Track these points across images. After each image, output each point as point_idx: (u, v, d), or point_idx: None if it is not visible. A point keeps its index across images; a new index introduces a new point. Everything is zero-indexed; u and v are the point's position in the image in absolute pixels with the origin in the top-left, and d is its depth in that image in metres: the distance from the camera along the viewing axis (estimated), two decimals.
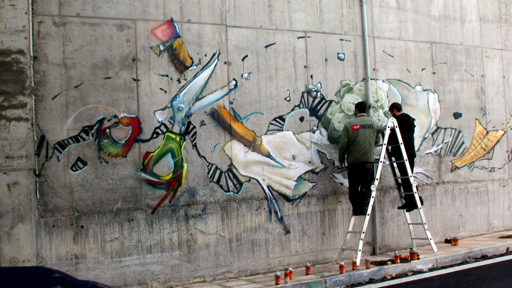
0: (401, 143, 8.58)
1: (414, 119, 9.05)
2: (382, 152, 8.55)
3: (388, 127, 8.56)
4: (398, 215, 9.24)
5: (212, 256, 7.67)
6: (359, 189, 8.43)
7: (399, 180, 8.98)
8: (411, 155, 8.84)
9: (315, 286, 7.21)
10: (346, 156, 8.49)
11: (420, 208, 8.71)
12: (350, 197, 8.52)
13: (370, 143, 8.34)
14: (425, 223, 8.71)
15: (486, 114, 10.66)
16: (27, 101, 6.63)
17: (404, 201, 8.99)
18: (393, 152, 8.92)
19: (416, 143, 9.60)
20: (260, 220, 8.07)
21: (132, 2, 7.30)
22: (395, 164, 8.99)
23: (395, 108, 9.04)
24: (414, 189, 8.64)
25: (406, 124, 8.85)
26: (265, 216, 8.10)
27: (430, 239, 8.75)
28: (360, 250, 8.03)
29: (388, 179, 9.23)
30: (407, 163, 8.62)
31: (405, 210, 8.94)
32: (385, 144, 8.56)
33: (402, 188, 8.99)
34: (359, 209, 8.37)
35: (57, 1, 6.87)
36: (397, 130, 8.59)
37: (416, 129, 9.39)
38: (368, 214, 8.23)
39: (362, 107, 8.65)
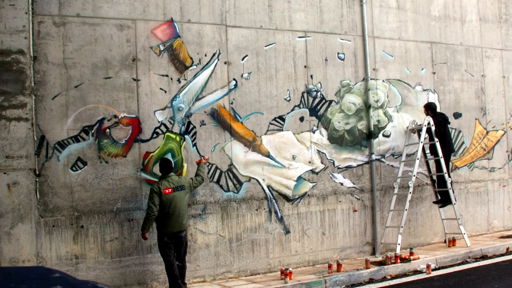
0: (437, 141, 9.03)
1: (447, 116, 9.44)
2: (418, 150, 8.96)
3: (425, 126, 8.97)
4: (398, 215, 9.24)
5: (212, 256, 7.67)
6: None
7: (434, 177, 9.47)
8: (451, 150, 9.39)
9: (315, 286, 7.21)
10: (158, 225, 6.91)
11: (455, 203, 9.12)
12: None
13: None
14: (459, 218, 9.11)
15: (486, 114, 10.65)
16: (27, 101, 6.63)
17: (439, 197, 9.41)
18: (430, 149, 9.40)
19: None
20: (260, 220, 8.06)
21: (132, 2, 7.30)
22: (431, 162, 9.47)
23: (429, 109, 9.32)
24: (449, 185, 9.03)
25: (445, 122, 9.27)
26: (265, 216, 8.10)
27: (464, 233, 9.08)
28: (399, 244, 8.51)
29: (388, 179, 9.23)
30: (442, 161, 9.02)
31: (438, 206, 9.40)
32: (421, 142, 8.99)
33: (436, 185, 9.44)
34: None
35: (57, 1, 6.87)
36: (433, 129, 9.02)
37: None
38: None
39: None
